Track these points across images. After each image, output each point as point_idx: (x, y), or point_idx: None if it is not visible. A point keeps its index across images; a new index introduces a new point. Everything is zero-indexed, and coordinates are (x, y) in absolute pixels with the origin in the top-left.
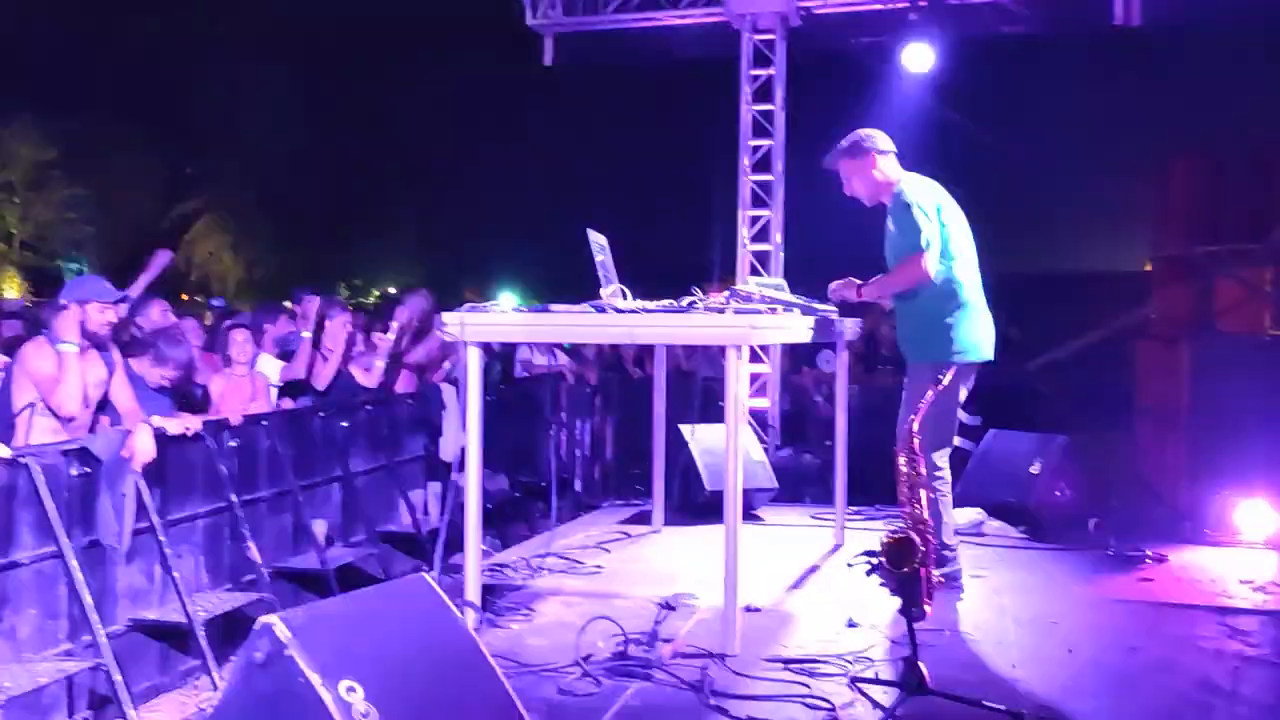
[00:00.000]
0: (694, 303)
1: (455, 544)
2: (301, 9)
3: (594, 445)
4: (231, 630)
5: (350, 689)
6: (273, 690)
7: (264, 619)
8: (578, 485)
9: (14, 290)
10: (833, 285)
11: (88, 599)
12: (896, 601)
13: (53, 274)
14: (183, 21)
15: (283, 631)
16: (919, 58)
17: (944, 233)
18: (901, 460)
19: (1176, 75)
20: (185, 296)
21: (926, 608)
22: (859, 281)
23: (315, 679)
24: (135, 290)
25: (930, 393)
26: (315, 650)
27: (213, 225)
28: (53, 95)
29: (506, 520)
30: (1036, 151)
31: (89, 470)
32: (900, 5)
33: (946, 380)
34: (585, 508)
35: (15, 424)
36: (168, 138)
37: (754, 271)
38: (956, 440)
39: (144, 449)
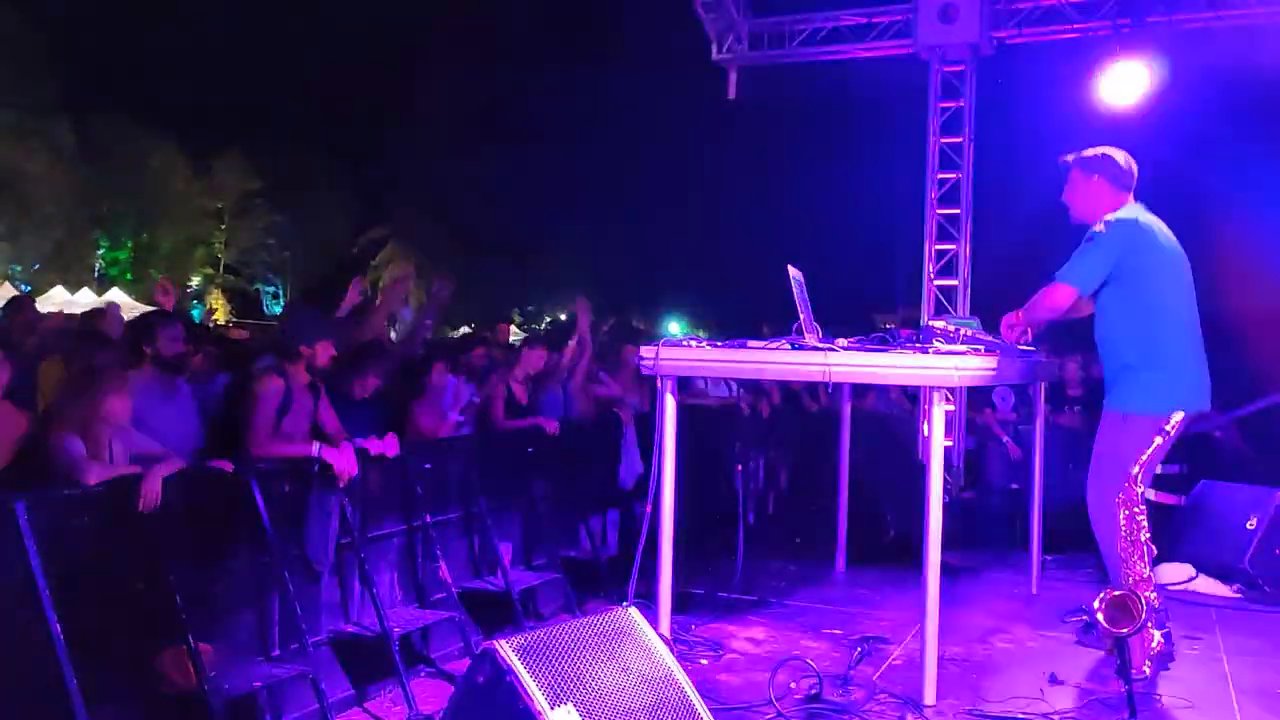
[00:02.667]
0: (889, 340)
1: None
2: (481, 45)
3: (770, 480)
4: (410, 646)
5: (568, 715)
6: (493, 711)
7: (489, 642)
8: (754, 520)
9: (220, 313)
10: (1003, 323)
11: (297, 609)
12: (1099, 658)
13: (251, 296)
14: (376, 65)
15: (508, 655)
16: (1125, 84)
17: (1151, 280)
18: (1122, 514)
19: None
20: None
21: (1146, 670)
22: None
23: (539, 702)
24: (341, 313)
25: (1158, 439)
26: (537, 675)
27: (397, 252)
28: (259, 129)
29: (686, 554)
30: (1247, 184)
31: (300, 487)
32: (1101, 32)
33: (1173, 428)
34: (764, 543)
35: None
36: (360, 170)
37: (939, 306)
38: (1152, 494)
39: (347, 468)
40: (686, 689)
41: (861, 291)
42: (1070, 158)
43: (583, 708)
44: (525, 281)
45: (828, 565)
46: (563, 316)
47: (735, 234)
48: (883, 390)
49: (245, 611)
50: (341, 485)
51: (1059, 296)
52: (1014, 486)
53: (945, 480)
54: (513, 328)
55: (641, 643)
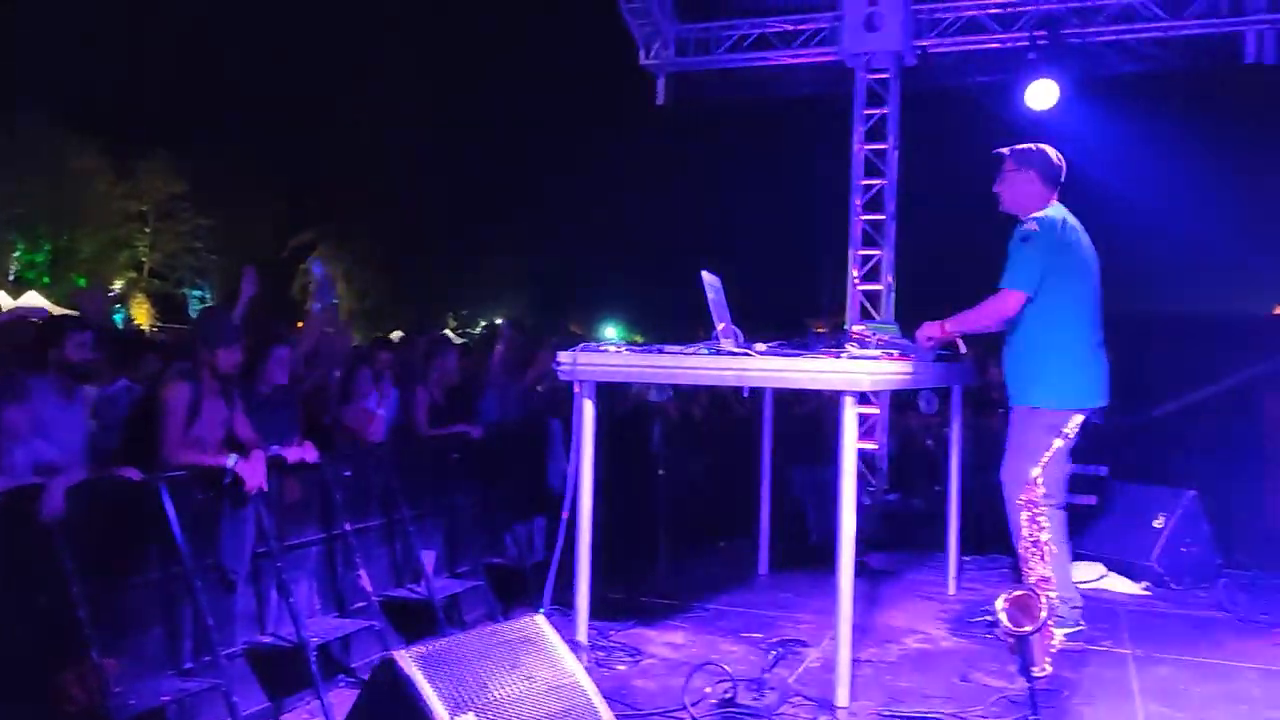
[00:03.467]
0: (808, 345)
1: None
2: (411, 49)
3: (696, 483)
4: (329, 656)
5: None
6: None
7: (389, 653)
8: (681, 524)
9: (142, 316)
10: (920, 333)
11: (209, 621)
12: (1013, 659)
13: (177, 301)
14: (305, 66)
15: (407, 665)
16: (1043, 95)
17: (1066, 280)
18: (1024, 515)
19: None
20: (300, 324)
21: (1047, 667)
22: (941, 321)
23: (438, 712)
24: (237, 315)
25: (1058, 442)
26: (437, 685)
27: (327, 256)
28: (184, 132)
29: (611, 558)
30: (1158, 190)
31: (213, 495)
32: (1019, 44)
33: (1071, 431)
34: (687, 547)
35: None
36: (287, 173)
37: (864, 311)
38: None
39: (258, 476)
40: (592, 697)
41: (793, 296)
42: (1005, 150)
43: (484, 716)
44: (461, 284)
45: (750, 569)
46: (498, 320)
47: (669, 239)
48: (810, 394)
49: (155, 624)
50: (250, 494)
51: (1009, 303)
52: (936, 489)
53: (869, 483)
54: (449, 331)
55: (547, 650)
